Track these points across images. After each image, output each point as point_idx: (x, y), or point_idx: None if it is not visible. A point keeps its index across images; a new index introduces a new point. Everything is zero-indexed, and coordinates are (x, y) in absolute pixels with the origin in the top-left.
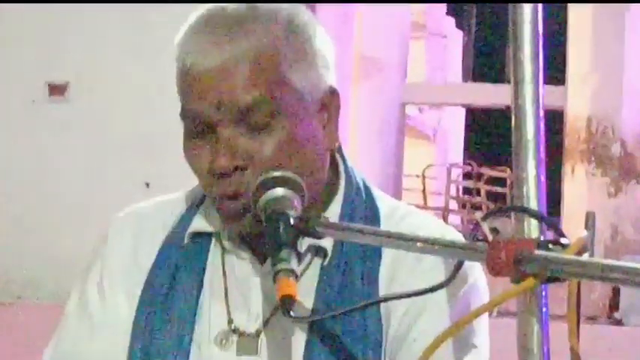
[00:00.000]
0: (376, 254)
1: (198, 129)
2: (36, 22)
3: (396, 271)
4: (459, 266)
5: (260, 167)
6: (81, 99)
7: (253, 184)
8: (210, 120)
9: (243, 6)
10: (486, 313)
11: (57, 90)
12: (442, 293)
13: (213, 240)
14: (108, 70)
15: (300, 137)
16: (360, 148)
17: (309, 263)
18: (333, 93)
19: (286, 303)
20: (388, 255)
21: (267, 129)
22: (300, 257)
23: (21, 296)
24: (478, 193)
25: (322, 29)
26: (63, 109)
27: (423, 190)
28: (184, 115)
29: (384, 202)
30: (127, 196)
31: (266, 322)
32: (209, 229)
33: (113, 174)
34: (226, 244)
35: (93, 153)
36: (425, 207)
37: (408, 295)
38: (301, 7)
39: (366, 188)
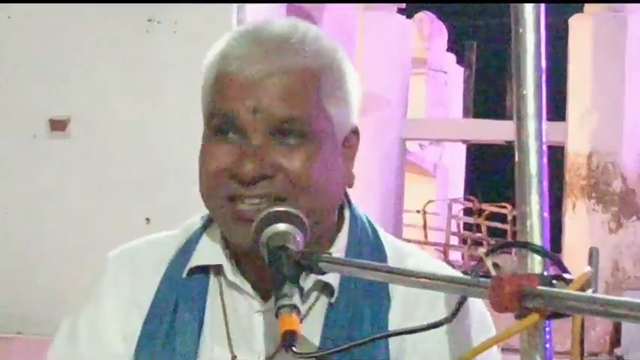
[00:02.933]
0: (384, 294)
1: (225, 130)
2: (38, 57)
3: (409, 322)
4: (462, 302)
5: (289, 178)
6: (82, 134)
7: (286, 190)
8: (243, 123)
9: (290, 26)
10: (497, 350)
11: (58, 125)
12: (469, 347)
13: (212, 275)
14: (109, 106)
15: (325, 164)
16: (361, 184)
17: (315, 301)
18: (355, 133)
19: (288, 338)
20: (397, 300)
21: (297, 146)
22: (302, 292)
23: (20, 331)
24: (479, 228)
25: (355, 73)
26: (64, 144)
27: (424, 226)
28: (214, 114)
29: (387, 239)
30: (128, 232)
31: (270, 359)
32: (210, 262)
33: (113, 209)
34: (230, 275)
35: (93, 188)
36: (425, 243)
37: (412, 331)
38: (339, 45)
39: (372, 227)
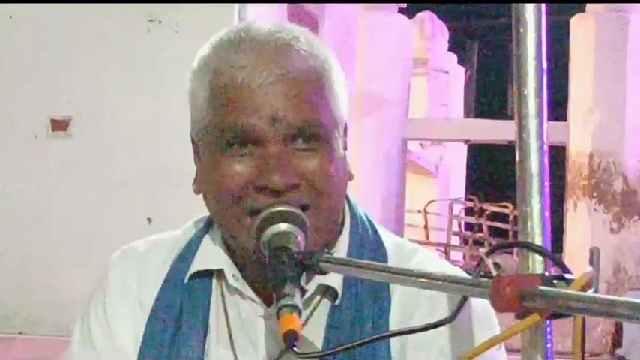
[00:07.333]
0: (385, 296)
1: (238, 142)
2: (38, 58)
3: (409, 321)
4: (463, 302)
5: (312, 184)
6: (83, 134)
7: (310, 198)
8: (260, 134)
9: (278, 28)
10: (504, 351)
11: (60, 125)
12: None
13: (214, 279)
14: (110, 105)
15: (336, 163)
16: (363, 184)
17: (318, 304)
18: (345, 127)
19: (290, 338)
20: (397, 300)
21: (314, 150)
22: (304, 293)
23: (22, 331)
24: (480, 229)
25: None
26: (65, 144)
27: (425, 226)
28: (224, 128)
29: (388, 238)
30: (129, 232)
31: None
32: (211, 267)
33: (115, 209)
34: (231, 280)
35: (95, 188)
36: (427, 243)
37: (413, 331)
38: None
39: (370, 223)
